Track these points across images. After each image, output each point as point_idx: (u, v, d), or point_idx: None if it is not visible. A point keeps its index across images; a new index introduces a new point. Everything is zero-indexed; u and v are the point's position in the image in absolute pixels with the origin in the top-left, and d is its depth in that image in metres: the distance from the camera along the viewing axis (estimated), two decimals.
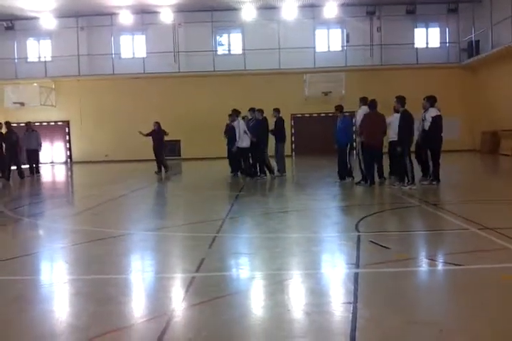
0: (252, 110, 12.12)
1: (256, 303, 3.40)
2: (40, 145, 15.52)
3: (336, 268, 4.17)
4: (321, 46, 22.02)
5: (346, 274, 3.93)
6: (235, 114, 12.16)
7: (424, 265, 4.23)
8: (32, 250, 5.21)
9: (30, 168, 15.19)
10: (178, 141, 20.66)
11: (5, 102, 20.61)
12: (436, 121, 8.94)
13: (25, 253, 4.96)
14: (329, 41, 22.20)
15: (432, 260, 4.36)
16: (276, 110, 11.92)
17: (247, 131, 11.60)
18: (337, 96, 19.72)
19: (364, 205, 7.78)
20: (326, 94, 20.48)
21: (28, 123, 15.73)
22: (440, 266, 4.19)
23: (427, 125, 8.97)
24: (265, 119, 11.77)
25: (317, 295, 3.45)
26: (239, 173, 12.53)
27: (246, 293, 3.59)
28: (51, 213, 8.03)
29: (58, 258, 4.93)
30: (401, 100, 8.94)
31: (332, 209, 7.54)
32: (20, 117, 19.60)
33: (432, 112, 9.04)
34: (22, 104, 20.59)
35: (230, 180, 12.28)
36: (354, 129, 10.80)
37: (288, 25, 21.00)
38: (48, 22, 20.99)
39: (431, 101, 9.15)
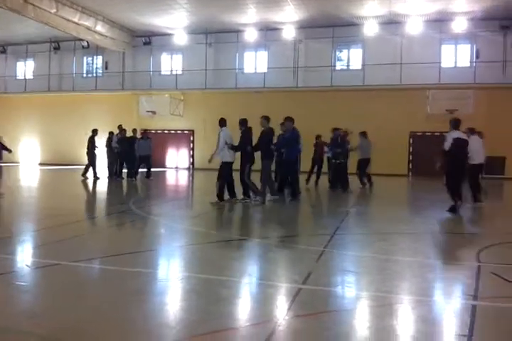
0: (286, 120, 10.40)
1: (362, 323, 3.32)
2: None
3: (451, 298, 3.91)
4: (447, 62, 20.84)
5: (462, 305, 3.67)
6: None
7: None
8: (153, 246, 5.72)
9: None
10: None
11: (140, 110, 22.84)
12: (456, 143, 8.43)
13: (148, 249, 5.47)
14: (456, 57, 20.91)
15: None
16: (265, 118, 9.75)
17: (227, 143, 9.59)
18: (464, 115, 18.43)
19: (487, 233, 7.14)
20: (451, 112, 19.26)
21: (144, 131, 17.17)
22: None
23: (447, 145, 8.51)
24: (250, 129, 9.81)
25: (429, 323, 3.27)
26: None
27: (352, 311, 3.53)
28: (172, 214, 8.69)
29: (176, 256, 5.33)
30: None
31: (450, 234, 7.05)
32: (152, 125, 21.53)
33: (454, 134, 8.57)
34: (154, 112, 22.62)
35: (340, 194, 12.09)
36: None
37: (412, 40, 20.25)
38: (181, 38, 22.86)
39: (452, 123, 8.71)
